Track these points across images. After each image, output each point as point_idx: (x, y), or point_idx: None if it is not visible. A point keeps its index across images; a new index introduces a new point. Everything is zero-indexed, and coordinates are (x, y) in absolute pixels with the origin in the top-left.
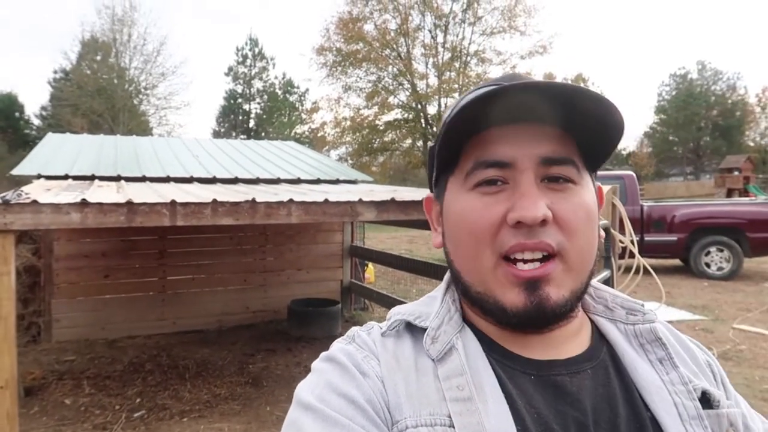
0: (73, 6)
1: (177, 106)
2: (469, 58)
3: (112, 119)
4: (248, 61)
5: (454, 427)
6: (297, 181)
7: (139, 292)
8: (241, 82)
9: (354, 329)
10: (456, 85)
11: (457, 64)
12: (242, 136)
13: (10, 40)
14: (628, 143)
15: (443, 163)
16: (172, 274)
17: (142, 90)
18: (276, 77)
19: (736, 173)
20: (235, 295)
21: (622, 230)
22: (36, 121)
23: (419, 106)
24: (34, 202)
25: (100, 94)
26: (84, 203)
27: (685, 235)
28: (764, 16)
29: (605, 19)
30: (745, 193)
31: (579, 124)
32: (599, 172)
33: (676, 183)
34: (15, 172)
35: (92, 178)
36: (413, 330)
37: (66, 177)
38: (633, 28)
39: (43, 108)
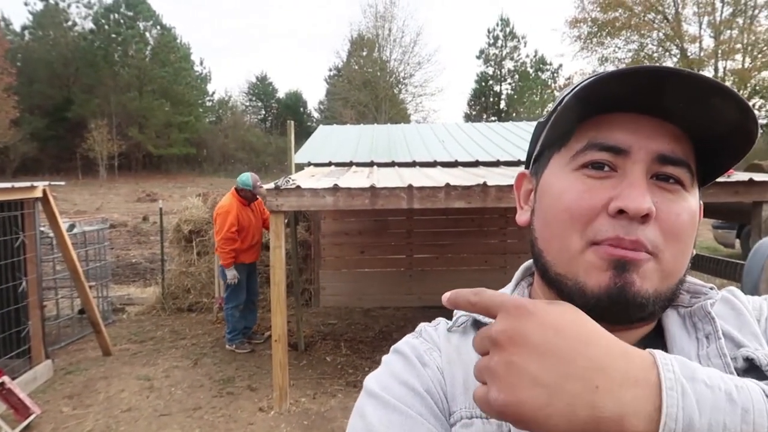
0: (344, 10)
1: (431, 93)
2: (757, 11)
3: (376, 109)
4: (499, 42)
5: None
6: None
7: (389, 268)
8: (492, 63)
9: (422, 325)
10: (738, 45)
11: (740, 20)
12: (493, 118)
13: (296, 46)
14: None
15: (551, 139)
16: (418, 253)
17: (401, 80)
18: (527, 56)
19: None
20: (476, 275)
21: None
22: (315, 114)
23: None
24: (298, 187)
25: (366, 87)
26: (335, 188)
27: None
28: None
29: None
30: None
31: (706, 127)
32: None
33: None
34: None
35: (350, 164)
36: (480, 327)
37: (329, 164)
38: None
39: (321, 102)
